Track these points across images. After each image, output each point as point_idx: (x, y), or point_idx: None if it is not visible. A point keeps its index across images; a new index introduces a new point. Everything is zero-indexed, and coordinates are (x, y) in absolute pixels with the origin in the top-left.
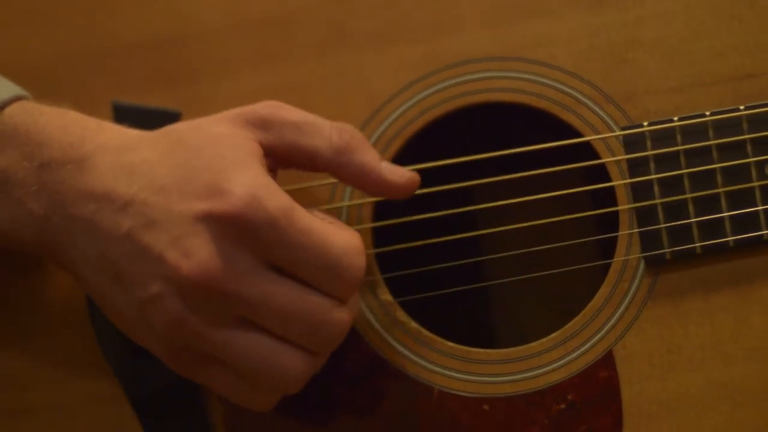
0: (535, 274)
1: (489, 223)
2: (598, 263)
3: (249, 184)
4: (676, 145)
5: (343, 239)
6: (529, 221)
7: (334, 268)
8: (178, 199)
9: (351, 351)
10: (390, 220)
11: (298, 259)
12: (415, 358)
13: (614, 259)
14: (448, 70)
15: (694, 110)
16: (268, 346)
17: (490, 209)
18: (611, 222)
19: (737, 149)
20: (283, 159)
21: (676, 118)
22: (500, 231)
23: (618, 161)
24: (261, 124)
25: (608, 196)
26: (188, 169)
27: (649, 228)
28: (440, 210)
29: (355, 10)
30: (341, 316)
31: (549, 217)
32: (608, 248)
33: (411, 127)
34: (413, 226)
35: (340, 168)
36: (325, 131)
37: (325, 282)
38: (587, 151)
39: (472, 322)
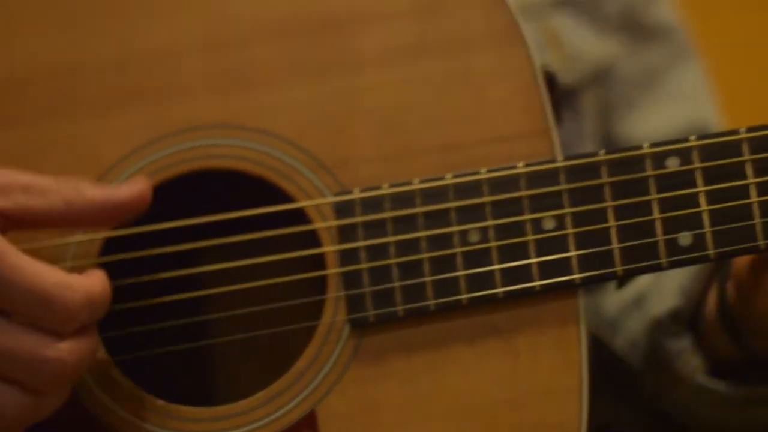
0: (247, 335)
1: (216, 285)
2: (306, 324)
3: None
4: (385, 212)
5: (56, 274)
6: (252, 283)
7: (46, 301)
8: None
9: (66, 408)
10: (117, 280)
11: (10, 296)
12: (127, 416)
13: (320, 321)
14: (175, 135)
15: (404, 178)
16: None
17: (216, 271)
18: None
19: (443, 216)
20: (17, 221)
21: (385, 186)
22: (226, 291)
23: (329, 227)
24: None
25: (322, 261)
26: None
27: (354, 291)
28: (163, 271)
29: (86, 77)
30: (56, 353)
31: (272, 280)
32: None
33: None
34: (137, 285)
35: (76, 214)
36: (52, 188)
37: (39, 317)
38: (303, 217)
39: (194, 381)
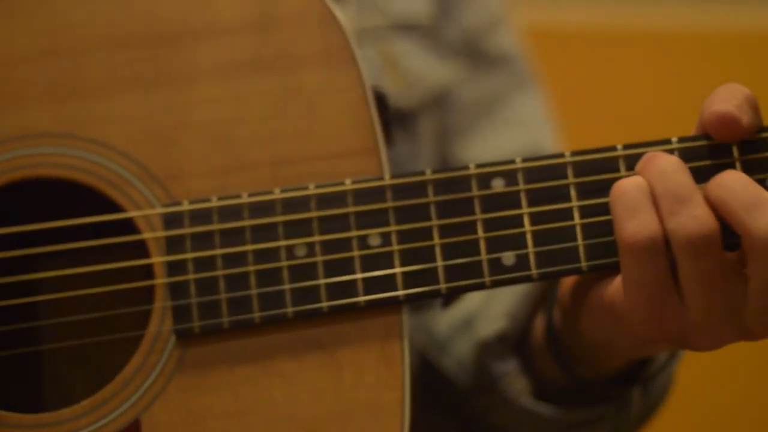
0: (74, 342)
1: (52, 292)
2: (132, 334)
3: None
4: (213, 225)
5: None
6: (79, 291)
7: None
8: None
9: None
10: None
11: None
12: None
13: (146, 331)
14: (4, 143)
15: (234, 192)
16: None
17: (52, 278)
18: None
19: (270, 230)
20: None
21: (214, 199)
22: (60, 298)
23: (157, 238)
24: None
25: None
26: None
27: (180, 302)
28: None
29: None
30: None
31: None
32: None
33: None
34: None
35: None
36: None
37: None
38: (134, 228)
39: (27, 388)
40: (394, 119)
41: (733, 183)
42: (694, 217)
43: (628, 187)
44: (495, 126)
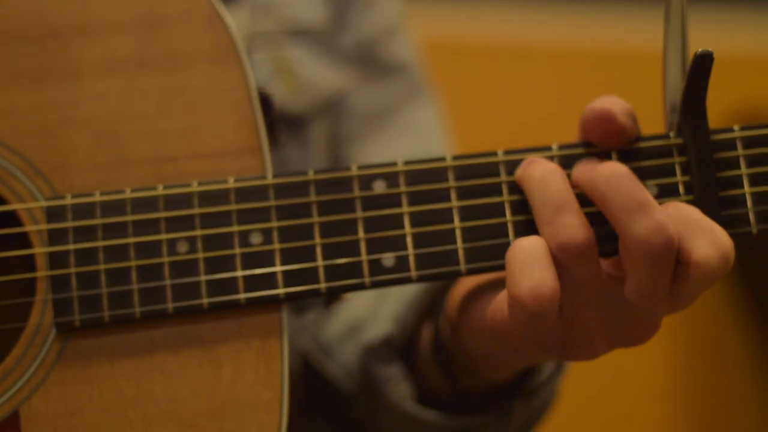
0: None
1: None
2: (13, 326)
3: None
4: (95, 219)
5: None
6: None
7: None
8: None
9: None
10: None
11: None
12: None
13: (27, 323)
14: None
15: (117, 187)
16: None
17: None
18: None
19: (152, 226)
20: None
21: (97, 194)
22: None
23: (40, 231)
24: None
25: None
26: None
27: (61, 295)
28: None
29: None
30: None
31: None
32: None
33: None
34: None
35: None
36: None
37: None
38: (18, 221)
39: None
40: (285, 124)
41: (618, 180)
42: (566, 226)
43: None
44: (388, 134)
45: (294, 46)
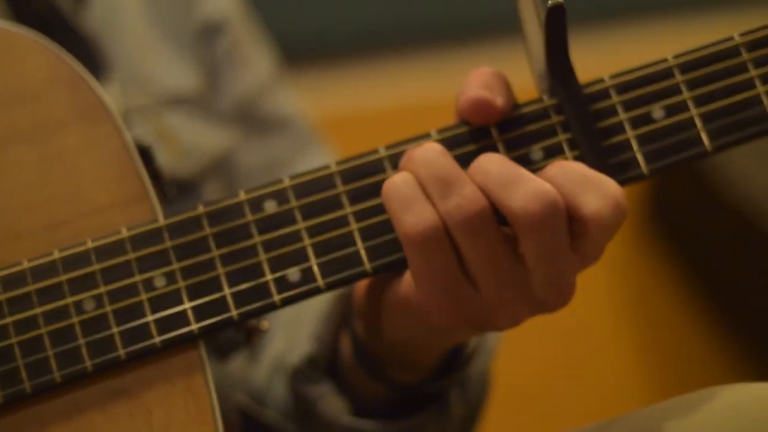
0: None
1: None
2: None
3: None
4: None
5: None
6: None
7: None
8: None
9: None
10: None
11: None
12: None
13: None
14: None
15: (15, 261)
16: None
17: None
18: None
19: (55, 291)
20: None
21: None
22: None
23: None
24: None
25: None
26: None
27: None
28: None
29: None
30: None
31: None
32: None
33: None
34: None
35: None
36: None
37: None
38: None
39: None
40: (179, 190)
41: (488, 165)
42: (464, 197)
43: (397, 183)
44: None
45: (171, 113)
